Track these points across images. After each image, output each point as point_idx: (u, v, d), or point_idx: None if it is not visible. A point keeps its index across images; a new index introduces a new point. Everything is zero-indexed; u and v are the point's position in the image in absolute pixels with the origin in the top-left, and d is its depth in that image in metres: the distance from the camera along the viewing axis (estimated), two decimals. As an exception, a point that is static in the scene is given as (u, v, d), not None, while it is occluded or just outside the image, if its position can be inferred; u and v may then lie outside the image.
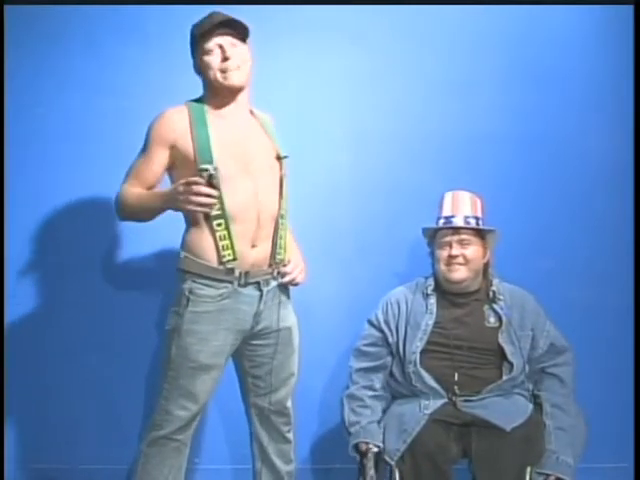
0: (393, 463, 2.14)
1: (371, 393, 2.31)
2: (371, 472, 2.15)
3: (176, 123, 2.06)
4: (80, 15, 2.69)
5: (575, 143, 2.82)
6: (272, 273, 2.12)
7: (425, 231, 2.44)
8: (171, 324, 2.07)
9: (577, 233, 2.81)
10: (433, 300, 2.38)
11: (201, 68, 2.09)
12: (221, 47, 2.04)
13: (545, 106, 2.82)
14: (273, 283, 2.13)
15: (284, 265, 2.14)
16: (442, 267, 2.35)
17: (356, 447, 2.21)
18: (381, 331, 2.38)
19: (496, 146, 2.79)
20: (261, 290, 2.09)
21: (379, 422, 2.26)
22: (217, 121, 2.08)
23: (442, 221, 2.38)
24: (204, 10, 2.67)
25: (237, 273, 2.05)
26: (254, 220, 2.06)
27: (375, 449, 2.18)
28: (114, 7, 2.67)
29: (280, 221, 2.12)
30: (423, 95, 2.79)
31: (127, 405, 2.65)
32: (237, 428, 2.39)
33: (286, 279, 2.14)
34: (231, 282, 2.06)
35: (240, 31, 2.06)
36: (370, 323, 2.42)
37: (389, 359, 2.37)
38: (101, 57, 2.70)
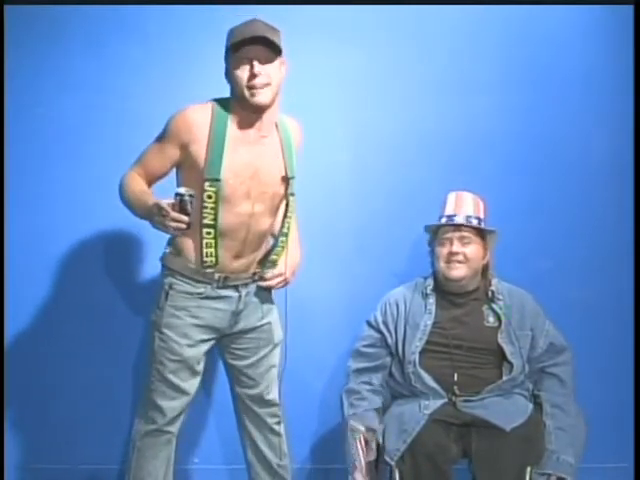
0: (393, 463, 2.14)
1: (369, 387, 2.32)
2: (355, 450, 2.14)
3: (197, 126, 2.00)
4: (80, 15, 2.68)
5: (574, 143, 2.82)
6: (252, 277, 2.15)
7: (427, 228, 2.44)
8: (153, 317, 2.12)
9: (576, 233, 2.81)
10: (432, 300, 2.38)
11: (230, 79, 2.02)
12: (250, 62, 1.96)
13: (545, 106, 2.82)
14: (252, 286, 2.16)
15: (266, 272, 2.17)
16: (442, 264, 2.35)
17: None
18: (380, 332, 2.38)
19: (495, 146, 2.79)
20: (239, 292, 2.13)
21: (377, 410, 2.27)
22: (235, 139, 2.03)
23: (444, 219, 2.38)
24: (205, 10, 2.67)
25: (216, 277, 2.08)
26: (242, 238, 2.08)
27: (369, 432, 2.18)
28: (114, 7, 2.67)
29: (280, 239, 2.15)
30: (423, 95, 2.79)
31: (127, 405, 2.64)
32: (235, 428, 2.39)
33: (263, 284, 2.17)
34: (209, 283, 2.08)
35: (274, 45, 1.97)
36: (369, 324, 2.42)
37: (388, 360, 2.37)
38: (101, 57, 2.69)
